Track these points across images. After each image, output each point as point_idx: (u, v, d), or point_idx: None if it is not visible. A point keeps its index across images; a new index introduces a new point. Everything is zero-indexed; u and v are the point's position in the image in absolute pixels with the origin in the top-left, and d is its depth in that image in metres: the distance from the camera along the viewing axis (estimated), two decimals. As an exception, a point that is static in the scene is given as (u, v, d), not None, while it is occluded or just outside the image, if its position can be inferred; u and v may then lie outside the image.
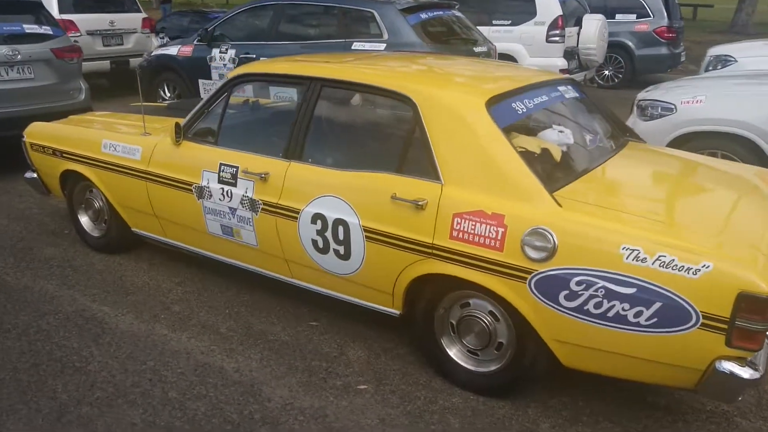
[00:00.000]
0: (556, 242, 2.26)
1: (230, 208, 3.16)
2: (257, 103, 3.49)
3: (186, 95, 7.42)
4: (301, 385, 2.75)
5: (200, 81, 7.15)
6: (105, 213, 3.96)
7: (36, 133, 4.13)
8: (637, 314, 2.16)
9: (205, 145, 3.31)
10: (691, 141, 4.45)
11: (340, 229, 2.78)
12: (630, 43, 10.48)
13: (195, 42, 7.16)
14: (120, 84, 9.76)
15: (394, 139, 2.82)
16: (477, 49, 6.35)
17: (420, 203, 2.53)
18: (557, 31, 8.28)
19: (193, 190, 3.28)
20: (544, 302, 2.32)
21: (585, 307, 2.25)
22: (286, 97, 3.94)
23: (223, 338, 3.10)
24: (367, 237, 2.70)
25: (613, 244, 2.18)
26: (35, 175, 4.28)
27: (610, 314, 2.21)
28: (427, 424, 2.52)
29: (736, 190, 2.79)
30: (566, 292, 2.27)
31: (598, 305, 2.22)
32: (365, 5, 6.01)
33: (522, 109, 2.72)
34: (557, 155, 2.71)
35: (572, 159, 2.78)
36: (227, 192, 3.15)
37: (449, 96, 2.62)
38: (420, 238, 2.56)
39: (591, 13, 9.31)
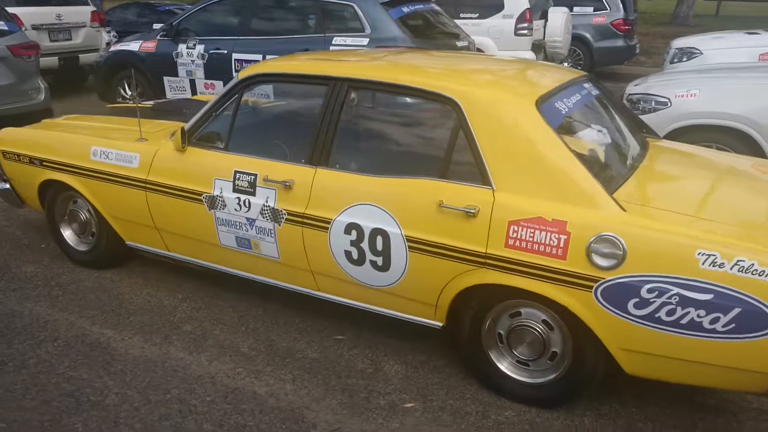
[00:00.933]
0: (626, 249, 2.17)
1: (248, 218, 2.94)
2: (271, 104, 3.27)
3: (149, 94, 7.01)
4: (344, 406, 2.58)
5: (165, 78, 6.77)
6: (93, 225, 3.65)
7: (9, 139, 3.76)
8: (714, 321, 2.10)
9: (215, 151, 3.07)
10: (686, 134, 4.49)
11: (379, 239, 2.62)
12: (588, 36, 10.64)
13: (159, 37, 6.77)
14: (68, 82, 9.20)
15: (433, 143, 2.68)
16: (459, 44, 6.26)
17: (472, 211, 2.40)
18: (525, 24, 8.30)
19: (204, 200, 3.04)
20: (611, 311, 2.24)
21: (656, 315, 2.17)
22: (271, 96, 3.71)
23: (247, 359, 2.89)
24: (410, 247, 2.55)
25: (688, 250, 2.11)
26: (7, 185, 3.90)
27: (684, 321, 2.14)
28: (487, 441, 2.42)
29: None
30: (636, 300, 2.19)
31: (670, 312, 2.15)
32: (345, -1, 5.81)
33: (564, 108, 2.63)
34: (602, 156, 2.63)
35: (615, 159, 2.71)
36: (244, 201, 2.93)
37: (496, 97, 2.49)
38: (471, 247, 2.43)
39: (554, 5, 9.40)
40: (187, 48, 6.53)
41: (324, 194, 2.74)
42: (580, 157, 2.38)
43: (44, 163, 3.59)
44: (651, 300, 2.16)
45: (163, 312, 3.29)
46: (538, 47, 8.58)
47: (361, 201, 2.65)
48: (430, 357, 2.93)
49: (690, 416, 2.57)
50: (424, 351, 2.96)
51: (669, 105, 4.57)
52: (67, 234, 3.79)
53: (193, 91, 6.67)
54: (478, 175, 2.46)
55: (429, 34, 5.96)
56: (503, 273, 2.40)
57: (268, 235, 2.92)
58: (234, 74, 6.14)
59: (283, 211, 2.83)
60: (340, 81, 2.78)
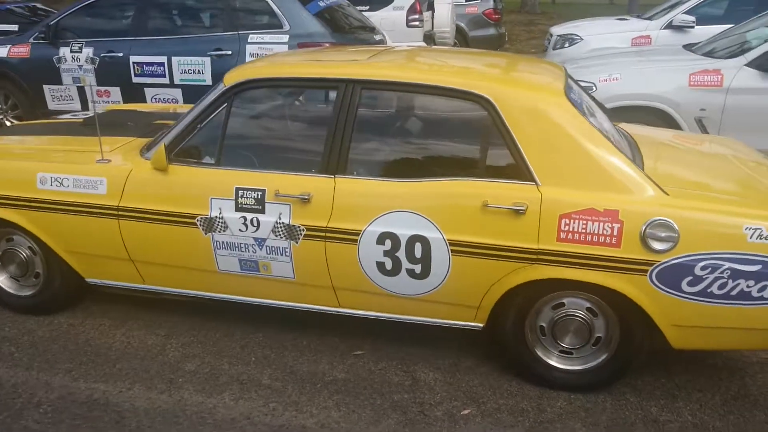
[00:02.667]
0: (679, 231, 2.28)
1: (256, 239, 2.68)
2: (266, 111, 2.98)
3: (24, 105, 6.17)
4: (403, 425, 2.46)
5: (46, 87, 5.98)
6: (37, 265, 3.12)
7: None
8: (761, 289, 2.27)
9: (207, 167, 2.75)
10: (610, 116, 4.82)
11: (417, 246, 2.51)
12: (463, 25, 11.05)
13: (32, 40, 5.95)
14: None
15: (466, 143, 2.60)
16: (376, 37, 6.19)
17: (521, 208, 2.38)
18: (416, 16, 8.40)
19: (199, 223, 2.72)
20: (666, 291, 2.34)
21: (709, 290, 2.31)
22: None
23: (275, 391, 2.65)
24: (453, 252, 2.48)
25: (736, 227, 2.26)
26: None
27: (734, 293, 2.30)
28: (558, 430, 2.43)
29: (751, 158, 3.05)
30: (690, 278, 2.31)
31: (722, 286, 2.29)
32: (257, -7, 5.49)
33: (578, 100, 2.69)
34: (619, 143, 2.73)
35: (626, 146, 2.82)
36: (252, 221, 2.66)
37: (530, 93, 2.49)
38: (521, 244, 2.42)
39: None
40: (72, 51, 5.80)
41: (349, 205, 2.57)
42: (625, 145, 2.45)
43: (-31, 198, 3.01)
44: (704, 276, 2.29)
45: (152, 353, 2.91)
46: (428, 38, 8.74)
47: (395, 208, 2.52)
48: (459, 359, 2.88)
49: (708, 377, 2.77)
50: (449, 354, 2.91)
51: (594, 89, 4.87)
52: (2, 279, 3.21)
53: (83, 100, 5.95)
54: (520, 172, 2.44)
55: (347, 28, 5.82)
56: (556, 267, 2.42)
57: (281, 255, 2.68)
58: (133, 78, 5.66)
59: (301, 227, 2.62)
60: (354, 83, 2.61)
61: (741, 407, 2.58)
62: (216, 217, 2.70)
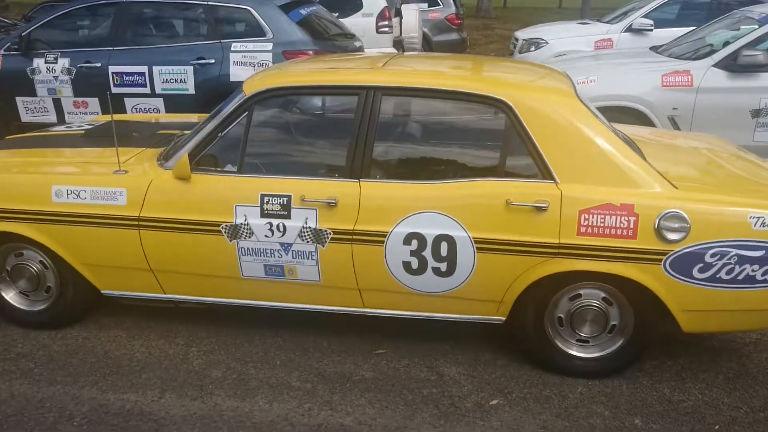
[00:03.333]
0: (690, 222, 2.45)
1: (282, 244, 2.74)
2: (286, 118, 3.02)
3: (-5, 118, 6.00)
4: (438, 417, 2.56)
5: (19, 99, 5.83)
6: (48, 279, 3.09)
7: None
8: (765, 272, 2.47)
9: (230, 175, 2.79)
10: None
11: (443, 245, 2.61)
12: (426, 30, 11.24)
13: (3, 51, 5.80)
14: None
15: (485, 145, 2.72)
16: (356, 44, 6.27)
17: (544, 205, 2.52)
18: (386, 22, 8.54)
19: (223, 230, 2.76)
20: (678, 278, 2.51)
21: (717, 275, 2.49)
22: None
23: (307, 393, 2.71)
24: (478, 249, 2.59)
25: (742, 216, 2.45)
26: None
27: (740, 277, 2.48)
28: (581, 418, 2.56)
29: (733, 152, 3.28)
30: (700, 265, 2.48)
31: (729, 271, 2.48)
32: (239, 2, 5.49)
33: (586, 103, 2.84)
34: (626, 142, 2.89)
35: (630, 142, 2.99)
36: (278, 226, 2.72)
37: (546, 96, 2.64)
38: (544, 240, 2.55)
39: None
40: (47, 62, 5.69)
41: (375, 207, 2.66)
42: (628, 143, 2.62)
43: (-23, 214, 2.96)
44: (713, 263, 2.47)
45: (176, 362, 2.92)
46: (397, 44, 8.89)
47: (421, 209, 2.62)
48: (477, 353, 3.00)
49: (709, 358, 2.97)
50: (467, 348, 3.02)
51: (573, 91, 5.08)
52: (11, 295, 3.15)
53: (59, 112, 5.84)
54: (539, 171, 2.58)
55: (327, 36, 5.89)
56: (576, 259, 2.56)
57: (308, 258, 2.74)
58: (113, 88, 5.59)
59: (328, 231, 2.69)
60: (375, 89, 2.70)
61: (744, 384, 2.78)
62: (241, 224, 2.74)
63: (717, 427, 2.51)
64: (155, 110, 5.65)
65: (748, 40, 4.83)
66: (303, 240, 2.72)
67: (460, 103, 2.67)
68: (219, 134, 2.81)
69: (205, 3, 5.52)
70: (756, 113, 4.83)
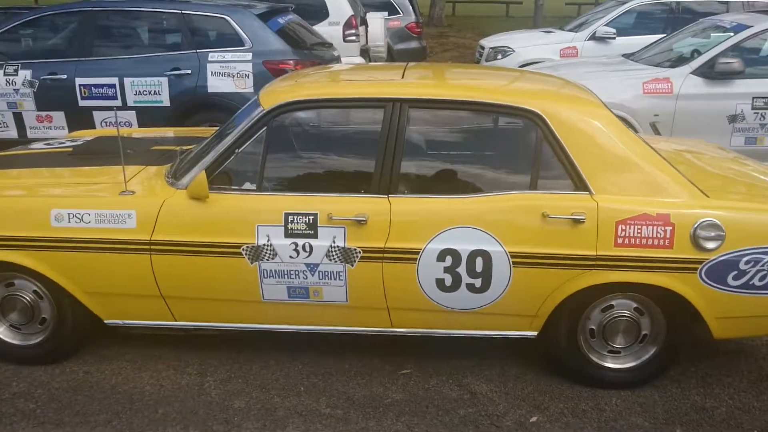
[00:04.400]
0: (725, 230, 2.47)
1: (308, 264, 2.61)
2: (307, 133, 2.87)
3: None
4: (481, 439, 2.48)
5: (-25, 114, 5.45)
6: (43, 310, 2.85)
7: None
8: (796, 277, 2.52)
9: (249, 194, 2.65)
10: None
11: (478, 261, 2.55)
12: (387, 39, 11.21)
13: (-43, 63, 5.41)
14: None
15: (516, 157, 2.66)
16: (335, 53, 6.16)
17: (581, 217, 2.49)
18: (353, 31, 8.44)
19: (244, 252, 2.60)
20: (713, 286, 2.52)
21: (751, 282, 2.52)
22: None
23: (339, 420, 2.58)
24: (514, 263, 2.54)
25: (773, 222, 2.49)
26: None
27: (773, 283, 2.52)
28: (623, 428, 2.53)
29: (732, 156, 3.35)
30: (735, 272, 2.50)
31: (762, 277, 2.51)
32: (215, 11, 5.30)
33: (608, 111, 2.84)
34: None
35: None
36: (304, 246, 2.59)
37: (578, 108, 2.61)
38: (581, 252, 2.52)
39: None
40: (6, 74, 5.34)
41: (407, 223, 2.57)
42: (657, 152, 2.62)
43: (-35, 242, 2.70)
44: (747, 270, 2.50)
45: (192, 394, 2.74)
46: (364, 52, 8.80)
47: (454, 224, 2.54)
48: (503, 368, 2.94)
49: (729, 363, 2.99)
50: (492, 364, 2.96)
51: (557, 99, 5.13)
52: (1, 330, 2.90)
53: (20, 127, 5.49)
54: (573, 182, 2.55)
55: (306, 44, 5.75)
56: (613, 271, 2.54)
57: (335, 279, 2.62)
58: (80, 101, 5.30)
59: (357, 249, 2.57)
60: (401, 101, 2.61)
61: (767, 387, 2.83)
62: (264, 244, 2.60)
63: (755, 432, 2.54)
64: (127, 124, 5.38)
65: (723, 48, 4.99)
66: (331, 260, 2.60)
67: (491, 115, 2.62)
68: (236, 151, 2.66)
69: (180, 12, 5.30)
70: (732, 119, 4.99)
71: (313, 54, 5.70)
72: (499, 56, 8.42)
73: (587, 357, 2.75)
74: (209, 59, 5.24)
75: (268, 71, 5.20)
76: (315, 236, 2.59)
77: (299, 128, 2.75)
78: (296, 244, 2.60)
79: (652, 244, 2.50)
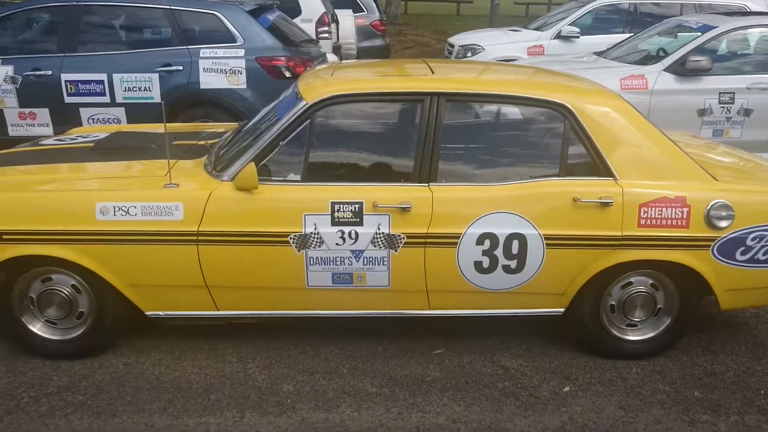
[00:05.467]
0: (734, 210, 2.73)
1: (354, 251, 2.73)
2: (349, 125, 2.96)
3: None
4: (524, 409, 2.66)
5: (-47, 111, 5.27)
6: (81, 304, 2.86)
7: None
8: (794, 251, 2.81)
9: (292, 184, 2.74)
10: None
11: (515, 243, 2.73)
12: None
13: (-66, 59, 5.21)
14: None
15: (546, 146, 2.84)
16: (321, 50, 6.23)
17: (609, 201, 2.70)
18: (326, 28, 8.51)
19: (291, 240, 2.70)
20: (723, 261, 2.79)
21: (756, 257, 2.80)
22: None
23: (388, 397, 2.71)
24: (548, 245, 2.74)
25: (775, 202, 2.78)
26: None
27: (775, 256, 2.81)
28: (648, 396, 2.77)
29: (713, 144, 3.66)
30: (742, 248, 2.78)
31: (766, 252, 2.79)
32: (205, 7, 5.30)
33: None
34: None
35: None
36: (350, 233, 2.71)
37: (602, 100, 2.83)
38: (608, 233, 2.74)
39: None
40: (-13, 71, 5.19)
41: (448, 210, 2.72)
42: (671, 140, 2.87)
43: (5, 237, 2.69)
44: (753, 246, 2.78)
45: (239, 380, 2.81)
46: (336, 49, 8.89)
47: (492, 210, 2.72)
48: (527, 346, 3.13)
49: (727, 333, 3.29)
50: (517, 341, 3.15)
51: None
52: (38, 327, 2.89)
53: (2, 124, 5.34)
54: (598, 169, 2.77)
55: (295, 41, 5.81)
56: (637, 250, 2.77)
57: (379, 264, 2.76)
58: (66, 98, 5.21)
59: (401, 235, 2.71)
60: (439, 95, 2.76)
61: (765, 352, 3.13)
62: (311, 233, 2.70)
63: (762, 391, 2.81)
64: (116, 120, 5.32)
65: (692, 46, 5.37)
66: (375, 246, 2.73)
67: (521, 107, 2.81)
68: (280, 143, 2.75)
69: (169, 8, 5.28)
70: (701, 112, 5.37)
71: (302, 51, 5.77)
72: (469, 54, 8.68)
73: (609, 331, 2.98)
74: (201, 55, 5.25)
75: (261, 67, 5.25)
76: (360, 224, 2.71)
77: (340, 121, 2.86)
78: (342, 232, 2.71)
79: (670, 224, 2.75)
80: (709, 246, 2.77)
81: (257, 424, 2.53)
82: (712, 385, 2.85)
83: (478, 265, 2.77)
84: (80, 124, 5.30)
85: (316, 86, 2.84)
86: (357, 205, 2.71)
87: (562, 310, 2.93)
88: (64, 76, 5.20)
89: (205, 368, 2.90)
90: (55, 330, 2.91)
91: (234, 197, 2.71)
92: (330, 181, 2.75)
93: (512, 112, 2.83)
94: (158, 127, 4.09)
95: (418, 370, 2.93)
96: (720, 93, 5.31)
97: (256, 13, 5.50)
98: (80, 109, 5.29)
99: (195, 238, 2.70)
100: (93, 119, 5.32)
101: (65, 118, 5.26)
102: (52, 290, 2.85)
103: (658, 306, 2.97)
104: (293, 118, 2.75)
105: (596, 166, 2.77)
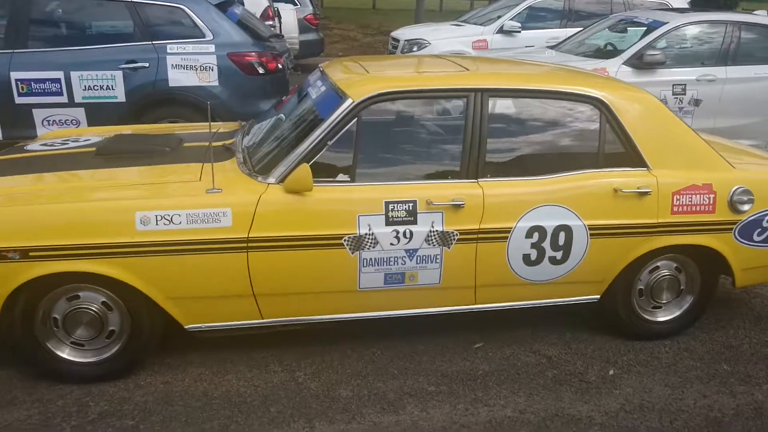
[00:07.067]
0: (753, 194, 2.95)
1: (408, 250, 2.70)
2: (395, 123, 2.86)
3: None
4: (580, 394, 2.75)
5: None
6: (111, 322, 2.65)
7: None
8: (801, 231, 3.07)
9: (343, 185, 2.67)
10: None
11: (561, 235, 2.81)
12: (288, 31, 11.10)
13: None
14: None
15: (584, 138, 2.89)
16: (287, 45, 6.05)
17: (648, 190, 2.84)
18: (270, 22, 8.30)
19: (345, 243, 2.63)
20: (742, 242, 3.01)
21: (769, 237, 3.04)
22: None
23: (449, 394, 2.71)
24: (591, 235, 2.83)
25: (787, 185, 3.02)
26: None
27: (784, 236, 3.06)
28: (685, 372, 2.93)
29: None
30: (759, 229, 3.01)
31: (778, 232, 3.04)
32: (171, 0, 5.00)
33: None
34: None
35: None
36: (405, 233, 2.67)
37: (634, 94, 2.95)
38: (645, 221, 2.87)
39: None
40: None
41: (498, 205, 2.75)
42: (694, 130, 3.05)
43: (32, 254, 2.44)
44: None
45: (290, 389, 2.71)
46: (280, 44, 8.68)
47: (540, 203, 2.78)
48: (559, 335, 3.22)
49: (729, 311, 3.53)
50: (549, 331, 3.24)
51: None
52: (67, 352, 2.65)
53: (-58, 128, 4.80)
54: (632, 160, 2.89)
55: (262, 36, 5.61)
56: (669, 235, 2.93)
57: (432, 262, 2.74)
58: (17, 98, 4.78)
59: (455, 232, 2.72)
60: (482, 91, 2.78)
61: (765, 324, 3.40)
62: (365, 234, 2.64)
63: (779, 359, 3.07)
64: (74, 122, 4.93)
65: (647, 41, 5.70)
66: (429, 244, 2.71)
67: (560, 101, 2.87)
68: (328, 143, 2.66)
69: (131, 0, 4.94)
70: (657, 103, 5.71)
71: (269, 45, 5.59)
72: (415, 48, 8.75)
73: (638, 314, 3.13)
74: (168, 51, 4.94)
75: (233, 63, 5.04)
76: (414, 222, 2.69)
77: (384, 118, 2.81)
78: (397, 231, 2.67)
79: (699, 210, 2.93)
80: (731, 229, 2.98)
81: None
82: (735, 358, 3.07)
83: (526, 258, 2.82)
84: (33, 127, 4.87)
85: (361, 83, 2.77)
86: (411, 204, 2.68)
87: (598, 296, 3.05)
88: (14, 74, 4.74)
89: (252, 380, 2.77)
90: (84, 352, 2.68)
91: (285, 200, 2.60)
92: (381, 181, 2.70)
93: (553, 105, 2.89)
94: (155, 129, 3.86)
95: (465, 365, 2.94)
96: (673, 85, 5.67)
97: (222, 7, 5.26)
98: (33, 110, 4.84)
99: (245, 244, 2.57)
100: (48, 121, 4.90)
101: (15, 120, 4.82)
102: (80, 309, 2.62)
103: (681, 287, 3.15)
104: (341, 116, 2.67)
105: (630, 156, 2.90)
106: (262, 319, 2.77)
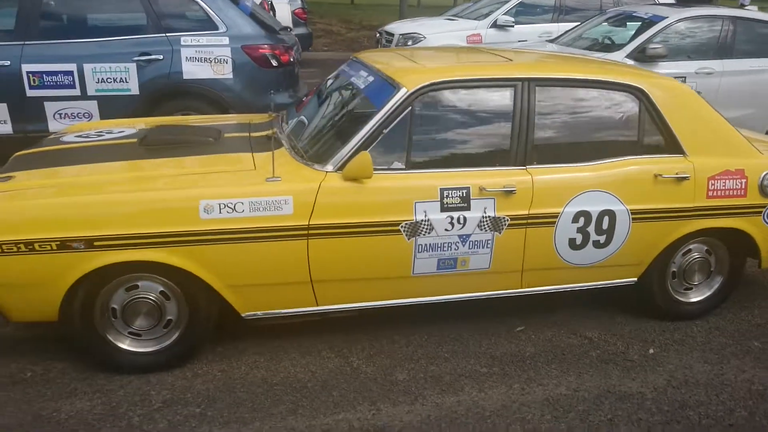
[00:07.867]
0: (780, 179, 3.10)
1: (461, 236, 2.77)
2: (446, 112, 2.89)
3: None
4: (628, 371, 2.86)
5: None
6: (169, 311, 2.66)
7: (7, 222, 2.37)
8: (822, 213, 3.22)
9: (399, 172, 2.72)
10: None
11: (605, 219, 2.91)
12: (276, 25, 11.03)
13: None
14: None
15: (624, 126, 2.97)
16: (294, 38, 6.04)
17: (686, 176, 2.95)
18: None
19: (402, 229, 2.69)
20: (770, 224, 3.16)
21: (794, 220, 3.19)
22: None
23: (503, 375, 2.79)
24: (633, 219, 2.94)
25: (810, 170, 3.17)
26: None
27: (807, 219, 3.21)
28: (720, 349, 3.06)
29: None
30: (785, 212, 3.16)
31: (800, 214, 3.19)
32: (182, -9, 4.98)
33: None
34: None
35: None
36: (458, 219, 2.74)
37: (671, 84, 3.07)
38: (683, 205, 2.99)
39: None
40: (-70, 62, 4.54)
41: (547, 191, 2.84)
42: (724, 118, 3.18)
43: (96, 244, 2.43)
44: (793, 210, 3.16)
45: (348, 374, 2.76)
46: (275, 38, 8.65)
47: (586, 189, 2.87)
48: (597, 315, 3.33)
49: (745, 290, 3.68)
50: (586, 314, 3.33)
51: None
52: (127, 342, 2.65)
53: (-51, 122, 4.70)
54: (670, 146, 3.01)
55: (274, 29, 5.59)
56: (705, 219, 3.05)
57: (483, 247, 2.81)
58: (28, 91, 4.71)
59: (506, 218, 2.79)
60: (530, 81, 2.86)
61: (783, 306, 3.57)
62: (421, 220, 2.70)
63: (805, 337, 3.23)
64: (87, 115, 4.87)
65: (649, 35, 5.85)
66: (481, 229, 2.78)
67: (601, 90, 2.97)
68: (383, 131, 2.71)
69: (144, -8, 4.89)
70: (658, 95, 5.87)
71: (279, 38, 5.59)
72: (410, 42, 8.80)
73: (672, 295, 3.25)
74: (182, 43, 4.92)
75: (247, 56, 5.04)
76: (468, 208, 2.75)
77: (438, 108, 2.85)
78: (451, 217, 2.74)
79: (732, 194, 3.06)
80: (761, 212, 3.12)
81: (398, 414, 2.51)
82: (764, 335, 3.21)
83: (571, 242, 2.92)
84: (45, 120, 4.81)
85: (414, 73, 2.82)
86: (465, 191, 2.75)
87: (635, 279, 3.16)
88: (26, 67, 4.67)
89: (308, 366, 2.81)
90: (142, 342, 2.68)
91: (344, 188, 2.64)
92: (435, 168, 2.76)
93: (595, 94, 2.97)
94: (181, 120, 3.85)
95: (511, 347, 3.03)
96: (674, 77, 5.83)
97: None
98: (45, 103, 4.78)
99: (305, 232, 2.61)
100: (60, 114, 4.83)
101: (27, 113, 4.74)
102: (138, 299, 2.62)
103: (711, 269, 3.29)
104: (395, 105, 2.72)
105: (668, 143, 3.01)
106: (317, 306, 2.81)
